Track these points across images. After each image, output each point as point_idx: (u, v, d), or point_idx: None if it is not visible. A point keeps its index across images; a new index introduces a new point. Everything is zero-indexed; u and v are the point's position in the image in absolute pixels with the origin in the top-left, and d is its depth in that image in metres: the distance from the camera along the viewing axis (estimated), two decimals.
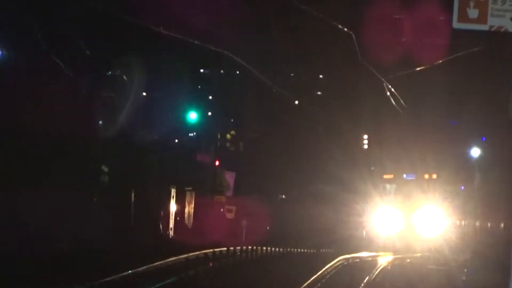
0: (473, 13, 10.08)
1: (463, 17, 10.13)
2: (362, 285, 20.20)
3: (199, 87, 40.62)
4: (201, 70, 42.26)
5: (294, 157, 45.80)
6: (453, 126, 38.04)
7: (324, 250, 35.94)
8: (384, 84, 20.57)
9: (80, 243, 20.56)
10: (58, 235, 20.04)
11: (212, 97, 43.20)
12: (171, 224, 32.49)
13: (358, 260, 28.84)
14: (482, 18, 10.05)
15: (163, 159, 31.94)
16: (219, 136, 42.77)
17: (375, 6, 20.83)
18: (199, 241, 26.17)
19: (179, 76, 31.67)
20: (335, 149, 44.30)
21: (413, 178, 35.70)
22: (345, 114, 43.09)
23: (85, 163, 23.86)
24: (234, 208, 36.74)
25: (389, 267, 25.56)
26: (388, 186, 36.44)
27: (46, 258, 17.25)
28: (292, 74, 44.11)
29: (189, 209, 35.68)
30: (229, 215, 36.48)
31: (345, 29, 17.77)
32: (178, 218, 33.67)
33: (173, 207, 32.88)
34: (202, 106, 35.68)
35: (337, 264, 25.25)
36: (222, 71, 43.95)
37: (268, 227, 38.74)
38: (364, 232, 38.12)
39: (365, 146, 49.87)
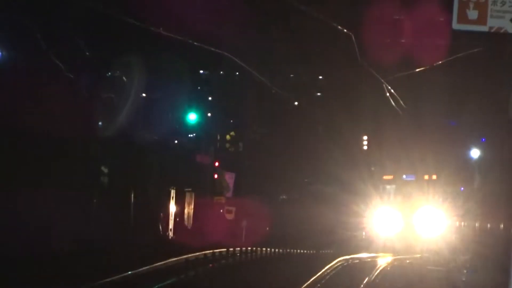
0: (472, 14, 10.09)
1: (463, 18, 10.13)
2: (362, 286, 20.21)
3: (199, 88, 40.63)
4: (201, 71, 42.28)
5: (294, 158, 45.82)
6: (452, 127, 38.05)
7: (323, 251, 35.97)
8: (384, 85, 20.56)
9: (80, 243, 20.58)
10: (58, 235, 20.06)
11: (212, 98, 43.22)
12: (171, 225, 32.50)
13: (357, 261, 28.86)
14: (481, 19, 10.06)
15: (163, 160, 31.96)
16: (218, 137, 42.81)
17: (374, 7, 20.84)
18: (198, 242, 26.17)
19: (178, 77, 31.67)
20: (335, 149, 44.33)
21: (413, 179, 35.73)
22: (345, 115, 43.10)
23: (85, 164, 23.88)
24: (233, 209, 36.76)
25: (388, 268, 25.58)
26: (388, 187, 36.47)
27: (46, 258, 17.27)
28: (292, 75, 44.18)
29: (188, 210, 35.70)
30: (229, 216, 36.49)
31: (345, 30, 17.76)
32: (177, 219, 33.69)
33: (172, 208, 32.90)
34: (201, 107, 35.68)
35: (337, 265, 25.25)
36: (221, 72, 43.98)
37: (267, 228, 38.77)
38: (364, 233, 38.15)
39: (365, 147, 49.89)
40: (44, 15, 20.08)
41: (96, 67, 23.80)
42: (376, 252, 33.43)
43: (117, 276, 16.46)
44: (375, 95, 28.28)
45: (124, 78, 25.47)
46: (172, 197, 32.89)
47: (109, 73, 25.25)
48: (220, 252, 25.41)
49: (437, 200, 34.19)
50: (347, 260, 27.75)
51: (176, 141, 35.98)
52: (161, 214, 31.66)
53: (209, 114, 40.57)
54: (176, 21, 19.86)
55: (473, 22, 10.09)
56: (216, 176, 39.07)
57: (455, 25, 10.21)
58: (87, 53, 22.26)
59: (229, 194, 40.22)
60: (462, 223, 34.58)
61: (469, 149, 36.22)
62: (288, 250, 33.57)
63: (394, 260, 29.66)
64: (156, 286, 17.62)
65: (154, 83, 28.68)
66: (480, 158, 35.66)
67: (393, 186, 36.49)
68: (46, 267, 16.24)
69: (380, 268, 24.89)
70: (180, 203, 34.16)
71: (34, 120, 19.33)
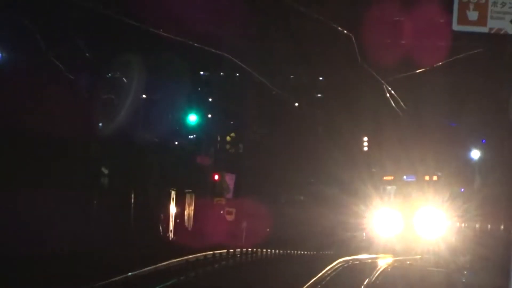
0: (472, 15, 10.10)
1: (463, 19, 10.15)
2: (362, 287, 20.19)
3: (199, 89, 40.62)
4: (201, 72, 42.28)
5: (294, 158, 45.82)
6: (453, 128, 38.06)
7: (324, 252, 35.96)
8: (384, 86, 20.54)
9: (80, 243, 20.58)
10: (58, 235, 20.06)
11: (212, 99, 43.21)
12: (171, 226, 32.51)
13: (358, 262, 28.83)
14: (481, 20, 10.07)
15: (163, 161, 31.97)
16: (219, 138, 42.83)
17: (375, 8, 20.82)
18: (199, 243, 26.18)
19: (178, 78, 31.68)
20: (335, 150, 44.34)
21: (413, 179, 35.66)
22: (345, 116, 43.12)
23: (85, 164, 23.90)
24: (234, 210, 36.76)
25: (389, 269, 25.55)
26: (388, 187, 36.41)
27: (46, 258, 17.28)
28: (292, 76, 44.18)
29: (189, 211, 35.71)
30: (229, 217, 36.49)
31: (345, 31, 17.75)
32: (178, 220, 33.70)
33: (173, 209, 32.91)
34: (202, 108, 35.68)
35: (337, 266, 25.23)
36: (222, 73, 43.97)
37: (268, 229, 38.76)
38: (364, 234, 38.10)
39: (365, 148, 49.89)
40: (44, 15, 20.08)
41: (96, 68, 23.81)
42: (376, 253, 33.39)
43: (117, 278, 16.44)
44: (375, 96, 28.27)
45: (124, 79, 25.48)
46: (172, 198, 32.89)
47: (109, 74, 25.26)
48: (220, 253, 25.39)
49: (438, 201, 34.15)
50: (347, 261, 27.73)
51: (176, 142, 35.99)
52: (162, 215, 31.67)
53: (209, 115, 40.58)
54: (176, 21, 19.85)
55: (473, 23, 10.10)
56: (216, 177, 39.09)
57: (455, 26, 10.22)
58: (87, 54, 22.27)
59: (229, 195, 40.22)
60: (463, 224, 34.56)
61: (469, 150, 36.23)
62: (288, 251, 33.55)
63: (395, 261, 29.63)
64: (157, 287, 17.61)
65: (154, 84, 28.70)
66: (480, 159, 35.67)
67: (394, 187, 36.41)
68: (46, 267, 16.23)
69: (381, 269, 24.86)
70: (180, 204, 34.17)
71: (34, 120, 19.35)
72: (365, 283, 20.78)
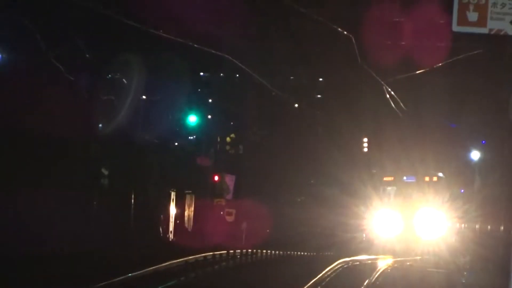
0: (472, 16, 10.10)
1: (463, 20, 10.14)
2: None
3: (199, 90, 40.65)
4: (201, 73, 42.30)
5: (294, 159, 45.83)
6: (453, 129, 38.05)
7: (324, 253, 35.94)
8: (384, 86, 20.55)
9: (80, 244, 20.59)
10: (58, 235, 20.07)
11: (212, 100, 43.23)
12: (171, 227, 32.51)
13: (358, 263, 28.79)
14: (481, 21, 10.07)
15: (163, 162, 31.98)
16: (219, 139, 42.83)
17: (375, 9, 20.83)
18: (199, 244, 26.18)
19: (179, 79, 31.70)
20: (335, 151, 44.34)
21: (413, 180, 35.60)
22: (345, 117, 43.12)
23: (85, 164, 23.93)
24: (234, 211, 36.76)
25: (389, 270, 25.51)
26: (388, 188, 36.33)
27: (46, 258, 17.28)
28: (292, 77, 44.18)
29: (189, 212, 35.72)
30: (229, 218, 36.50)
31: (345, 32, 17.77)
32: (178, 221, 33.71)
33: (173, 210, 32.91)
34: (202, 109, 35.71)
35: (337, 267, 25.19)
36: (222, 74, 43.99)
37: (268, 230, 38.75)
38: (364, 235, 38.04)
39: (365, 149, 49.88)
40: (44, 15, 20.10)
41: (96, 68, 23.82)
42: (376, 254, 33.33)
43: (117, 279, 16.42)
44: (375, 97, 28.28)
45: (124, 79, 25.49)
46: (172, 199, 32.90)
47: (109, 74, 25.27)
48: (220, 254, 25.38)
49: (438, 202, 34.12)
50: (347, 262, 27.68)
51: (176, 143, 36.01)
52: (161, 216, 31.67)
53: (209, 116, 40.60)
54: (176, 22, 19.87)
55: (473, 24, 10.10)
56: (216, 178, 39.10)
57: (455, 27, 10.22)
58: (87, 54, 22.28)
59: (229, 196, 40.23)
60: (463, 225, 34.53)
61: (469, 151, 36.24)
62: (288, 252, 33.54)
63: (395, 262, 29.58)
64: None
65: (154, 85, 28.70)
66: (480, 160, 35.68)
67: (394, 187, 36.36)
68: (46, 267, 16.24)
69: (381, 270, 24.82)
70: (180, 205, 34.18)
71: (34, 121, 19.37)
72: (365, 284, 20.75)
